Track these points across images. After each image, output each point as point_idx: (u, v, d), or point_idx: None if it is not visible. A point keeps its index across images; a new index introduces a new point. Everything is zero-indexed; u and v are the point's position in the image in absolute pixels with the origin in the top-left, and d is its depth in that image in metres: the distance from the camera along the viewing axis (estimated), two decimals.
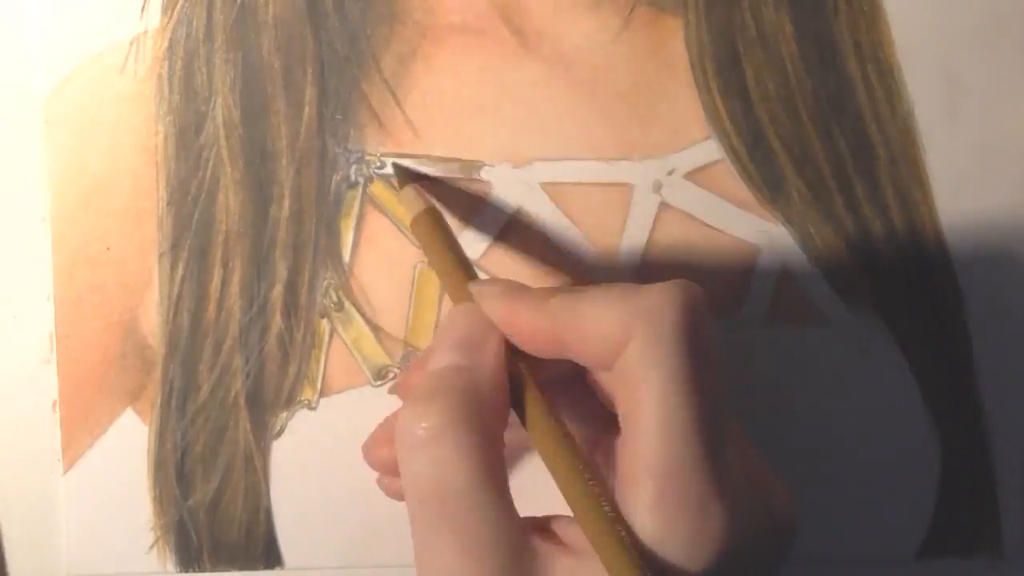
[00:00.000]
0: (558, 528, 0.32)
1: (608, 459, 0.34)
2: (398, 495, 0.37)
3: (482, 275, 0.39)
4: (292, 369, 0.40)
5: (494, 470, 0.31)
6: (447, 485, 0.31)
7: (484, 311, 0.34)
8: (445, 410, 0.31)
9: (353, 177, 0.40)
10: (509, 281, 0.34)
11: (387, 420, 0.37)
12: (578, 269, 0.40)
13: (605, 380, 0.33)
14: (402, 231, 0.40)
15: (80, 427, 0.40)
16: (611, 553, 0.29)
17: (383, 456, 0.36)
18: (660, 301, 0.31)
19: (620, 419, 0.31)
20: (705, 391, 0.30)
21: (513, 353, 0.33)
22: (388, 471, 0.37)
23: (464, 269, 0.35)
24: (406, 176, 0.39)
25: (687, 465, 0.30)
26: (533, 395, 0.32)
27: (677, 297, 0.31)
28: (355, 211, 0.40)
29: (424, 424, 0.31)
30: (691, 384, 0.30)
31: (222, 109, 0.39)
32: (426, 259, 0.39)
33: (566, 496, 0.31)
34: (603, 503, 0.30)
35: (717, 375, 0.31)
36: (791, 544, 0.33)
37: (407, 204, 0.38)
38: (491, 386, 0.32)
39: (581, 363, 0.33)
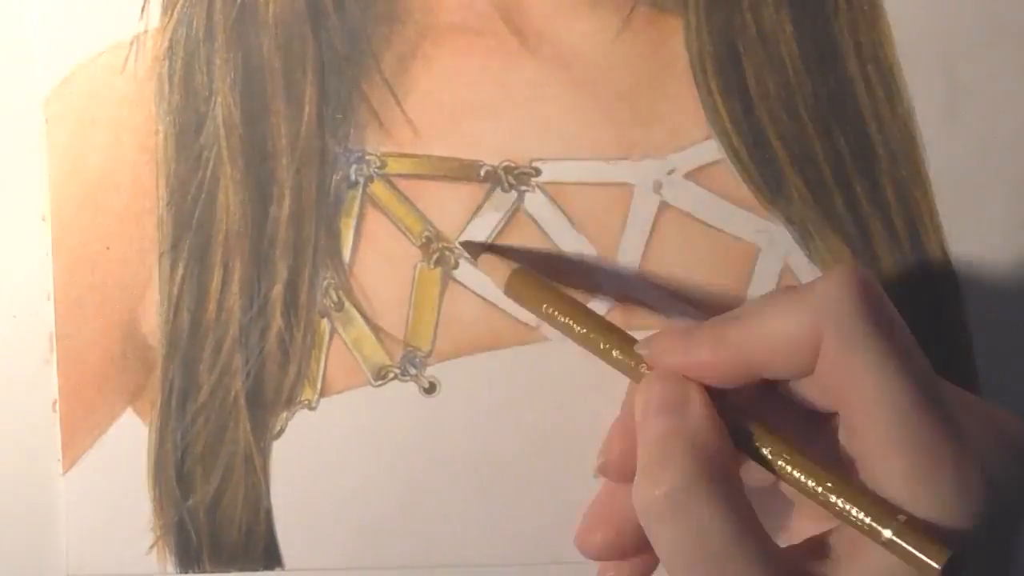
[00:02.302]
0: (819, 544, 0.32)
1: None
2: None
3: (482, 276, 0.39)
4: (292, 369, 0.40)
5: (748, 515, 0.31)
6: (710, 543, 0.31)
7: (667, 368, 0.34)
8: (683, 470, 0.31)
9: (353, 177, 0.40)
10: (668, 331, 0.35)
11: (594, 505, 0.37)
12: (578, 269, 0.40)
13: (804, 386, 0.33)
14: (402, 231, 0.40)
15: (80, 427, 0.40)
16: (906, 539, 0.29)
17: (599, 541, 0.36)
18: (837, 292, 0.31)
19: (838, 405, 0.32)
20: (912, 358, 0.31)
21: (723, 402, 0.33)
22: (608, 556, 0.36)
23: (611, 332, 0.36)
24: (477, 249, 0.39)
25: (928, 430, 0.30)
26: (759, 428, 0.33)
27: (849, 282, 0.31)
28: (355, 211, 0.40)
29: (665, 489, 0.31)
30: (899, 356, 0.31)
31: (222, 109, 0.39)
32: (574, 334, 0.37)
33: (830, 508, 0.31)
34: (872, 497, 0.31)
35: (910, 338, 0.32)
36: None
37: (491, 272, 0.38)
38: (714, 434, 0.32)
39: (777, 378, 0.33)
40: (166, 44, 0.39)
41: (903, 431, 0.30)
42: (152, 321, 0.40)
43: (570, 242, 0.40)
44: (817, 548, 0.32)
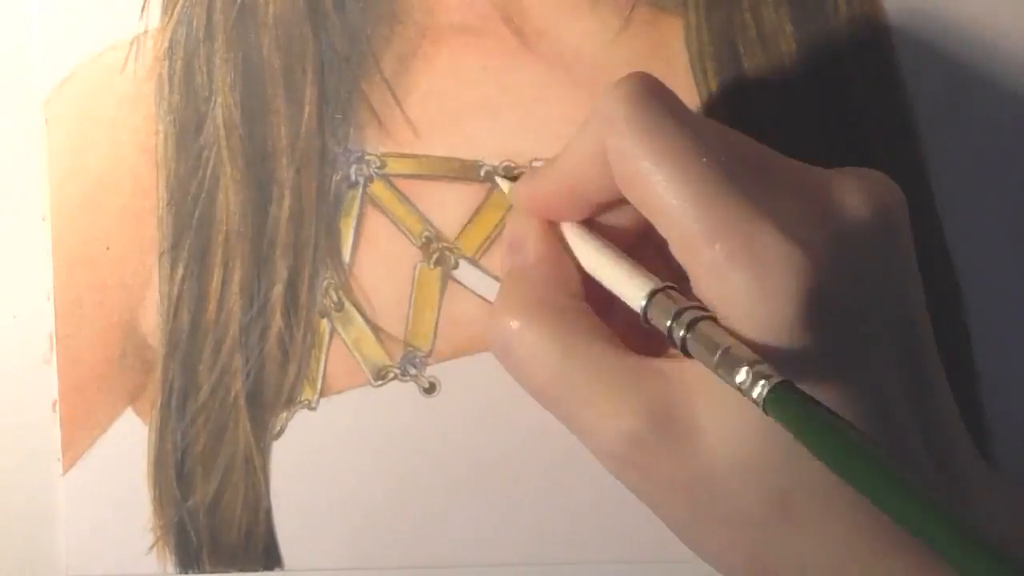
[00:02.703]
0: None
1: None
2: None
3: (482, 273, 0.39)
4: (292, 369, 0.40)
5: (584, 331, 0.33)
6: (549, 368, 0.33)
7: (518, 207, 0.36)
8: (519, 308, 0.33)
9: (353, 177, 0.40)
10: (536, 170, 0.36)
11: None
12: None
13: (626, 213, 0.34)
14: (402, 231, 0.40)
15: (80, 427, 0.40)
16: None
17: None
18: (611, 103, 0.32)
19: (656, 227, 0.32)
20: (695, 146, 0.31)
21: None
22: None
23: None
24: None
25: (727, 213, 0.30)
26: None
27: (621, 90, 0.32)
28: (355, 211, 0.40)
29: (505, 324, 0.33)
30: (678, 150, 0.31)
31: (222, 109, 0.39)
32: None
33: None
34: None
35: (699, 125, 0.32)
36: (904, 217, 0.33)
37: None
38: (547, 270, 0.34)
39: (603, 200, 0.34)
40: (166, 44, 0.39)
41: (696, 226, 0.30)
42: (152, 321, 0.40)
43: None
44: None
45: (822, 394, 0.28)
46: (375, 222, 0.40)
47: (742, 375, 0.28)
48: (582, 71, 0.39)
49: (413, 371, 0.40)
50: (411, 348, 0.40)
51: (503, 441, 0.40)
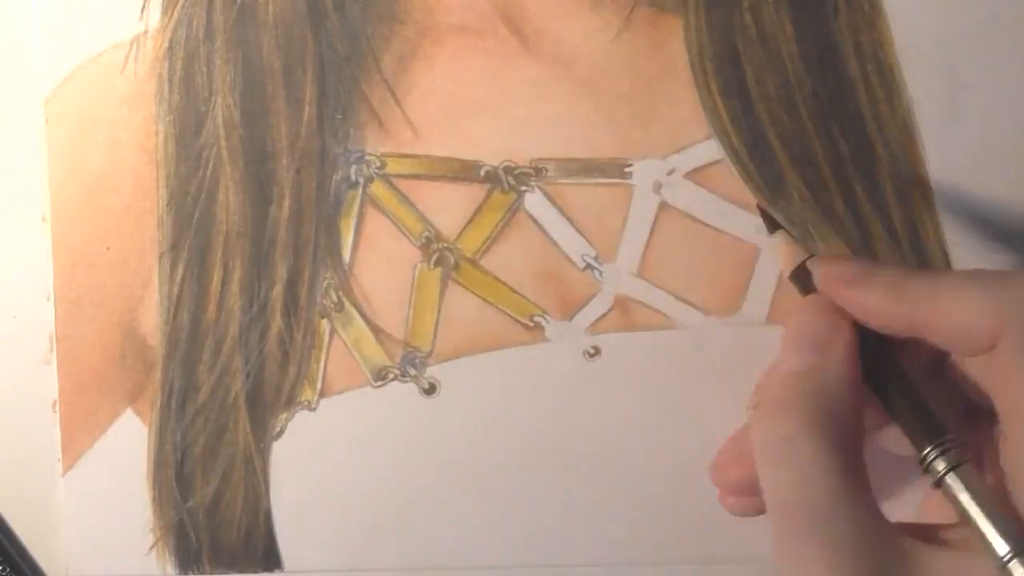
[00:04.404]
0: (935, 531, 0.31)
1: (980, 449, 0.33)
2: (746, 512, 0.36)
3: (481, 276, 0.39)
4: (292, 369, 0.40)
5: (855, 472, 0.30)
6: (809, 493, 0.30)
7: (832, 297, 0.33)
8: (800, 417, 0.31)
9: (353, 177, 0.40)
10: (853, 260, 0.33)
11: (734, 438, 0.36)
12: (578, 269, 0.40)
13: (973, 366, 0.32)
14: (402, 231, 0.40)
15: (80, 427, 0.40)
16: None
17: (733, 478, 0.35)
18: None
19: (1001, 414, 0.30)
20: None
21: (871, 340, 0.32)
22: (738, 492, 0.35)
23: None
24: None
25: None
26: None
27: None
28: (355, 211, 0.40)
29: (781, 434, 0.30)
30: None
31: (222, 109, 0.39)
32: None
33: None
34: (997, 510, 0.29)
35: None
36: None
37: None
38: (844, 384, 0.31)
39: (942, 347, 0.32)
40: (166, 44, 0.39)
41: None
42: (152, 321, 0.40)
43: (570, 242, 0.40)
44: (925, 533, 0.31)
45: None
46: (375, 222, 0.40)
47: None
48: (582, 71, 0.39)
49: (413, 371, 0.40)
50: (411, 348, 0.40)
51: (503, 441, 0.40)
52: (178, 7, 0.39)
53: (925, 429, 0.31)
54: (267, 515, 0.40)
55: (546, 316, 0.40)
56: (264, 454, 0.40)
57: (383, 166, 0.40)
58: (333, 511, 0.40)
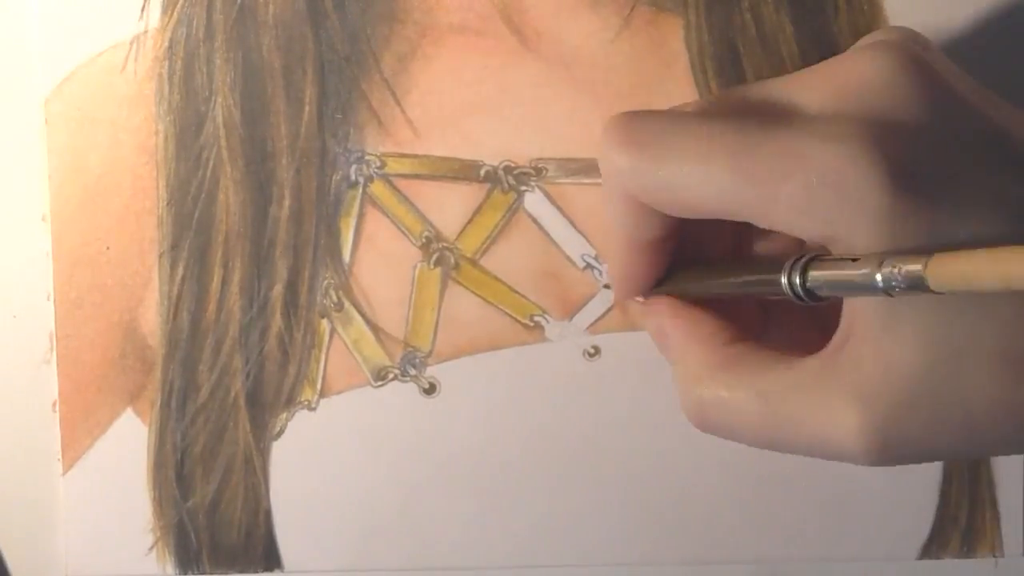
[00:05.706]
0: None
1: None
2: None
3: (481, 276, 0.40)
4: (292, 369, 0.40)
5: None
6: (754, 418, 0.32)
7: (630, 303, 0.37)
8: (699, 381, 0.33)
9: (353, 177, 0.40)
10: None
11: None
12: (578, 269, 0.40)
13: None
14: (402, 231, 0.40)
15: (80, 427, 0.40)
16: None
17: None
18: (604, 164, 0.33)
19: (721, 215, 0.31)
20: (696, 131, 0.31)
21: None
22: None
23: None
24: None
25: (760, 156, 0.30)
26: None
27: (603, 145, 0.33)
28: (355, 211, 0.40)
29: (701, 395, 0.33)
30: (680, 144, 0.31)
31: (222, 109, 0.39)
32: None
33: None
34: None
35: (678, 115, 0.33)
36: (914, 47, 0.31)
37: None
38: (694, 343, 0.34)
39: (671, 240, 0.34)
40: (166, 44, 0.39)
41: (747, 189, 0.30)
42: (152, 321, 0.40)
43: (570, 242, 0.40)
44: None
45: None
46: (375, 222, 0.40)
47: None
48: (582, 71, 0.39)
49: (413, 371, 0.40)
50: (411, 348, 0.40)
51: (503, 441, 0.40)
52: (178, 7, 0.39)
53: (763, 266, 0.32)
54: (267, 515, 0.40)
55: (546, 316, 0.40)
56: (264, 454, 0.40)
57: (383, 166, 0.40)
58: (333, 511, 0.40)
